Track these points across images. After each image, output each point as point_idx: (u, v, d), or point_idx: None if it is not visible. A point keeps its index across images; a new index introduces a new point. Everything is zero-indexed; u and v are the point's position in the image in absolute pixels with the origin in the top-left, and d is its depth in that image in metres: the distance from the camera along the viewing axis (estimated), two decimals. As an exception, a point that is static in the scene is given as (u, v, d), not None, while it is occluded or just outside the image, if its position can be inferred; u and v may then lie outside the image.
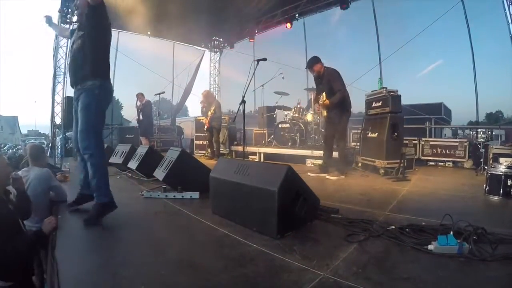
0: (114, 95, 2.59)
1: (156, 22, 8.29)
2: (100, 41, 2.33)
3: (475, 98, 7.35)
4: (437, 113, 7.26)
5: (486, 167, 3.66)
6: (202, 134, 7.59)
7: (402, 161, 4.02)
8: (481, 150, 4.41)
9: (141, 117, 7.40)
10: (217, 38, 12.85)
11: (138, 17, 7.49)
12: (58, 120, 9.01)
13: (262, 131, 7.82)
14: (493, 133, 5.20)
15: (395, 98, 4.35)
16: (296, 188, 1.96)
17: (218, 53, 13.39)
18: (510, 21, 6.05)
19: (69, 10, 8.68)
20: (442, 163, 5.38)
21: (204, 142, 7.48)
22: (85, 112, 2.26)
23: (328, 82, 4.18)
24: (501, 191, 2.84)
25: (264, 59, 3.98)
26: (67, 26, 2.78)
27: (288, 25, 9.71)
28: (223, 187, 2.29)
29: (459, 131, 7.59)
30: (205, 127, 6.86)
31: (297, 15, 9.62)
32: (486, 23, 7.25)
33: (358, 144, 5.05)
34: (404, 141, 4.66)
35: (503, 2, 6.13)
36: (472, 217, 1.98)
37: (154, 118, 8.11)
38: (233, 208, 2.19)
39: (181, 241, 1.92)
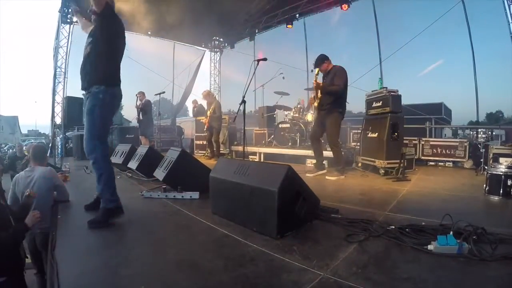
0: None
1: (157, 22, 8.29)
2: (108, 48, 2.34)
3: (475, 98, 7.37)
4: (437, 113, 7.26)
5: (486, 167, 3.66)
6: (202, 134, 7.60)
7: (402, 161, 4.02)
8: (481, 150, 4.41)
9: (141, 117, 7.40)
10: (217, 38, 12.87)
11: (139, 17, 7.49)
12: (58, 120, 9.03)
13: (262, 131, 7.83)
14: (493, 133, 5.20)
15: (395, 98, 4.35)
16: (296, 188, 1.96)
17: (218, 53, 13.40)
18: (510, 21, 6.06)
19: (69, 10, 8.69)
20: (442, 163, 5.38)
21: (204, 142, 7.49)
22: (89, 117, 2.29)
23: (332, 78, 4.15)
24: (501, 191, 2.84)
25: (264, 59, 3.99)
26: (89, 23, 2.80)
27: (289, 25, 9.72)
28: (223, 187, 2.29)
29: (459, 131, 7.60)
30: (205, 127, 6.87)
31: (297, 15, 9.63)
32: (486, 23, 7.26)
33: (358, 144, 5.05)
34: (404, 141, 4.66)
35: (503, 2, 6.13)
36: (472, 217, 1.98)
37: (154, 118, 8.11)
38: (233, 208, 2.19)
39: (181, 241, 1.92)
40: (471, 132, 6.16)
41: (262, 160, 6.27)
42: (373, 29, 8.94)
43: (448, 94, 8.12)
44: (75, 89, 9.85)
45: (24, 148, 7.24)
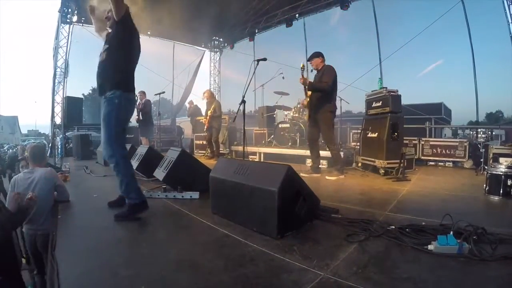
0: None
1: (156, 22, 8.29)
2: (124, 54, 2.38)
3: (475, 98, 7.37)
4: (437, 113, 7.26)
5: (486, 167, 3.66)
6: (202, 134, 7.60)
7: (402, 161, 4.02)
8: (481, 150, 4.41)
9: (140, 117, 7.40)
10: (217, 38, 12.88)
11: (138, 17, 7.49)
12: (58, 120, 9.03)
13: (262, 131, 7.83)
14: (493, 133, 5.20)
15: (395, 98, 4.35)
16: (296, 188, 1.96)
17: (218, 53, 13.40)
18: (510, 21, 6.06)
19: (69, 10, 8.70)
20: (442, 163, 5.38)
21: (204, 142, 7.49)
22: (105, 122, 2.33)
23: (321, 76, 4.16)
24: (501, 191, 2.84)
25: (264, 59, 3.98)
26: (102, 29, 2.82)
27: (288, 25, 9.73)
28: (223, 187, 2.29)
29: (459, 131, 7.59)
30: (205, 127, 6.86)
31: (297, 15, 9.64)
32: (486, 23, 7.25)
33: (358, 144, 5.05)
34: (404, 141, 4.66)
35: (503, 2, 6.14)
36: (472, 217, 1.99)
37: (154, 118, 8.11)
38: (233, 208, 2.19)
39: (181, 241, 1.92)
40: (471, 132, 6.16)
41: (262, 160, 6.27)
42: (373, 29, 8.94)
43: (448, 94, 8.10)
44: (75, 89, 9.89)
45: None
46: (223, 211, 2.31)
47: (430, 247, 1.59)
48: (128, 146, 4.64)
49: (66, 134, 9.03)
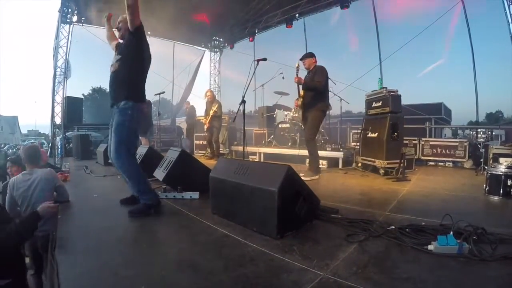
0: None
1: (156, 22, 8.29)
2: (136, 65, 2.44)
3: (475, 98, 7.37)
4: (437, 113, 7.26)
5: (486, 167, 3.66)
6: (202, 134, 7.60)
7: (402, 161, 4.02)
8: (481, 150, 4.41)
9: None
10: (217, 38, 12.87)
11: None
12: (58, 120, 9.03)
13: (262, 131, 7.83)
14: (493, 133, 5.20)
15: (395, 98, 4.35)
16: (296, 188, 1.96)
17: (218, 53, 13.40)
18: (510, 21, 6.06)
19: (69, 10, 8.70)
20: (442, 163, 5.38)
21: (204, 142, 7.49)
22: (117, 132, 2.38)
23: (313, 76, 4.17)
24: (501, 191, 2.84)
25: (264, 59, 3.98)
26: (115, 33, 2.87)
27: (289, 25, 9.73)
28: (223, 187, 2.29)
29: (459, 131, 7.59)
30: (205, 127, 6.86)
31: (297, 15, 9.64)
32: (486, 23, 7.25)
33: (358, 144, 5.05)
34: (404, 141, 4.66)
35: (503, 2, 6.14)
36: (472, 217, 1.99)
37: (154, 118, 8.11)
38: (233, 208, 2.19)
39: (181, 241, 1.92)
40: (471, 132, 6.16)
41: (262, 160, 6.27)
42: (373, 29, 8.95)
43: (448, 94, 8.10)
44: (75, 89, 9.89)
45: None
46: (223, 211, 2.31)
47: (430, 247, 1.59)
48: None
49: (66, 134, 9.03)
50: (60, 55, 8.90)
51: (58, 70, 8.87)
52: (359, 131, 5.29)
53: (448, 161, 5.33)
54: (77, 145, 7.70)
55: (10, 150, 11.48)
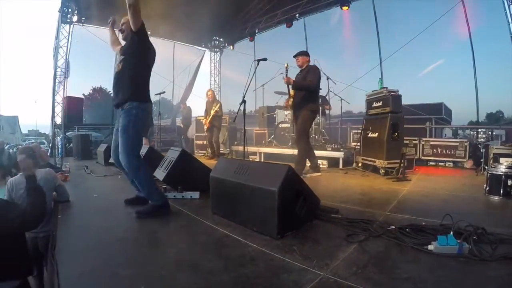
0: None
1: (157, 22, 8.29)
2: (140, 65, 2.45)
3: (475, 98, 7.36)
4: (437, 113, 7.25)
5: (486, 167, 3.65)
6: (202, 134, 7.60)
7: (402, 161, 4.02)
8: (481, 150, 4.40)
9: None
10: (217, 38, 12.87)
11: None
12: (58, 120, 9.03)
13: (263, 131, 7.83)
14: (494, 133, 5.19)
15: (396, 98, 4.35)
16: (296, 188, 1.96)
17: (218, 53, 13.39)
18: (510, 21, 6.05)
19: (69, 10, 8.70)
20: (442, 163, 5.38)
21: (205, 142, 7.49)
22: (123, 133, 2.38)
23: (305, 75, 4.13)
24: (501, 191, 2.84)
25: (265, 59, 3.98)
26: (119, 35, 2.89)
27: (289, 24, 9.72)
28: (223, 187, 2.29)
29: (460, 131, 7.59)
30: (205, 127, 6.86)
31: (297, 15, 9.63)
32: (486, 23, 7.24)
33: (359, 144, 5.05)
34: (405, 141, 4.66)
35: (503, 2, 6.13)
36: (472, 217, 1.99)
37: (154, 118, 8.12)
38: (233, 208, 2.19)
39: (181, 241, 1.92)
40: (471, 132, 6.17)
41: (262, 160, 6.27)
42: (373, 29, 8.94)
43: (448, 94, 8.09)
44: (75, 89, 9.88)
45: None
46: (223, 211, 2.31)
47: (430, 247, 1.59)
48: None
49: (67, 134, 9.03)
50: (60, 55, 8.90)
51: (59, 70, 8.87)
52: (360, 131, 5.29)
53: (449, 161, 5.33)
54: (78, 145, 7.71)
55: (11, 150, 11.48)
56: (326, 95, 6.63)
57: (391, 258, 1.56)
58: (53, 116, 9.01)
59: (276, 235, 1.81)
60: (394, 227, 1.91)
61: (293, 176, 1.92)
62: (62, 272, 1.45)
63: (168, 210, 2.47)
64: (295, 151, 5.75)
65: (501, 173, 2.86)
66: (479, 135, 4.58)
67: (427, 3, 7.99)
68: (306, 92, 4.08)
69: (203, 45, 12.99)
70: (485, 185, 3.02)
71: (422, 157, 5.50)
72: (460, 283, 1.32)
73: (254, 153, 6.59)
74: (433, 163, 5.45)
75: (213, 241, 1.85)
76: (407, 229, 1.84)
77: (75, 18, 8.85)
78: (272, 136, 6.93)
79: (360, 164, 4.93)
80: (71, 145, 8.76)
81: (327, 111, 6.82)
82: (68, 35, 8.98)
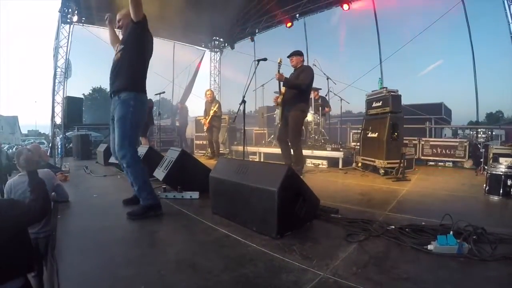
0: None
1: (157, 22, 8.29)
2: (138, 55, 2.42)
3: (475, 98, 7.37)
4: (437, 113, 7.27)
5: (486, 167, 3.66)
6: (202, 134, 7.61)
7: (402, 161, 4.02)
8: (481, 150, 4.41)
9: None
10: (217, 38, 12.86)
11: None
12: (58, 120, 9.03)
13: (262, 131, 7.83)
14: (493, 133, 5.20)
15: (395, 98, 4.35)
16: (296, 188, 1.96)
17: (218, 53, 13.39)
18: (510, 21, 6.06)
19: (69, 10, 8.69)
20: (442, 163, 5.38)
21: (204, 142, 7.49)
22: (120, 124, 2.35)
23: (298, 75, 4.12)
24: (501, 191, 2.84)
25: (265, 59, 3.98)
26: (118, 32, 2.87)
27: (289, 24, 9.73)
28: (223, 187, 2.29)
29: (459, 131, 7.59)
30: (205, 127, 6.86)
31: (297, 15, 9.63)
32: (486, 23, 7.25)
33: (358, 144, 5.05)
34: (404, 141, 4.66)
35: (503, 2, 6.13)
36: (472, 217, 1.99)
37: (154, 118, 8.13)
38: (233, 208, 2.19)
39: (181, 241, 1.92)
40: (471, 132, 6.17)
41: (262, 160, 6.27)
42: (373, 29, 8.95)
43: (448, 94, 8.11)
44: (75, 89, 9.89)
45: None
46: (223, 211, 2.31)
47: (430, 247, 1.59)
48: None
49: (66, 134, 9.04)
50: (60, 55, 8.90)
51: (59, 70, 8.87)
52: (359, 131, 5.29)
53: (448, 161, 5.33)
54: (77, 145, 7.71)
55: (10, 150, 11.47)
56: (326, 95, 6.64)
57: (391, 258, 1.55)
58: (53, 116, 9.01)
59: (276, 235, 1.81)
60: (394, 227, 1.91)
61: (292, 176, 1.92)
62: (62, 272, 1.45)
63: (159, 210, 2.42)
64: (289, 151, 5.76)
65: (501, 173, 2.87)
66: (479, 135, 4.58)
67: (427, 3, 8.00)
68: (298, 91, 4.05)
69: (203, 45, 12.98)
70: (484, 185, 3.02)
71: (422, 157, 5.50)
72: (460, 283, 1.32)
73: (254, 153, 6.59)
74: (432, 163, 5.45)
75: (213, 241, 1.85)
76: (407, 229, 1.84)
77: (75, 18, 8.84)
78: (272, 136, 6.93)
79: (359, 164, 4.93)
80: (71, 145, 8.76)
81: (326, 113, 6.83)
82: (68, 35, 8.97)
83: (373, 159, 4.46)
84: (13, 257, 1.71)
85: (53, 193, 2.82)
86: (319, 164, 5.41)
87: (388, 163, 4.15)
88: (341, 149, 5.36)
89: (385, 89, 4.43)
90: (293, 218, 1.93)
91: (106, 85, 3.00)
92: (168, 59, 12.43)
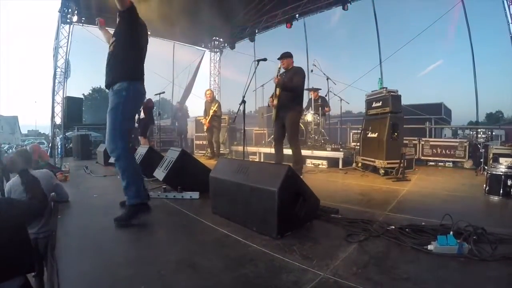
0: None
1: (157, 22, 8.30)
2: (131, 44, 2.35)
3: (475, 98, 7.38)
4: (437, 113, 7.28)
5: (486, 167, 3.66)
6: (202, 134, 7.60)
7: (402, 161, 4.02)
8: (481, 150, 4.41)
9: (142, 115, 7.41)
10: (217, 38, 12.87)
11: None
12: (58, 120, 9.03)
13: (262, 131, 7.83)
14: (493, 133, 5.20)
15: (395, 98, 4.35)
16: (296, 188, 1.96)
17: (218, 53, 13.39)
18: (510, 21, 6.06)
19: (69, 10, 8.69)
20: (442, 163, 5.38)
21: (204, 142, 7.49)
22: (111, 114, 2.27)
23: (291, 77, 4.11)
24: (501, 191, 2.84)
25: (265, 59, 3.98)
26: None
27: (289, 25, 9.74)
28: (223, 187, 2.29)
29: (459, 131, 7.60)
30: (205, 127, 6.86)
31: (297, 15, 9.64)
32: (486, 23, 7.27)
33: (358, 144, 5.05)
34: (404, 141, 4.66)
35: (503, 2, 6.13)
36: (472, 217, 1.98)
37: (154, 118, 8.13)
38: (233, 208, 2.19)
39: (181, 241, 1.92)
40: (471, 132, 6.17)
41: (262, 160, 6.27)
42: (373, 29, 8.96)
43: (448, 94, 8.14)
44: (75, 89, 9.90)
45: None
46: (223, 211, 2.31)
47: (430, 247, 1.59)
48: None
49: (66, 134, 9.04)
50: (60, 55, 8.90)
51: (58, 70, 8.87)
52: (359, 131, 5.30)
53: (448, 161, 5.34)
54: (77, 145, 7.71)
55: (10, 150, 11.47)
56: (326, 95, 6.64)
57: (391, 258, 1.55)
58: (52, 116, 9.01)
59: (276, 235, 1.81)
60: (394, 227, 1.91)
61: (292, 176, 1.92)
62: (62, 272, 1.45)
63: (147, 210, 2.31)
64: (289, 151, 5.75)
65: (501, 173, 2.87)
66: (479, 135, 4.58)
67: (427, 3, 8.01)
68: (294, 93, 4.09)
69: (203, 45, 12.99)
70: (484, 185, 3.02)
71: (422, 157, 5.51)
72: (460, 283, 1.32)
73: (254, 153, 6.59)
74: (432, 163, 5.45)
75: (213, 241, 1.85)
76: (407, 229, 1.84)
77: (75, 18, 8.84)
78: (272, 136, 6.92)
79: (359, 164, 4.93)
80: (70, 145, 8.76)
81: (326, 113, 6.83)
82: (68, 35, 8.97)
83: (373, 159, 4.46)
84: (12, 257, 1.71)
85: (53, 193, 2.82)
86: (319, 164, 5.41)
87: (388, 163, 4.15)
88: (341, 149, 5.36)
89: (385, 89, 4.43)
90: (293, 218, 1.93)
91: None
92: (168, 59, 12.45)
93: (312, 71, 6.39)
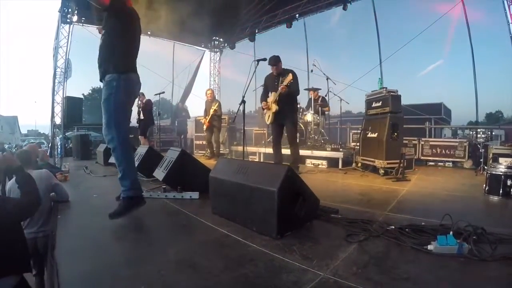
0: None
1: (157, 22, 8.30)
2: (121, 36, 2.33)
3: (475, 98, 7.38)
4: (437, 113, 7.27)
5: (485, 167, 3.66)
6: (202, 134, 7.60)
7: (402, 161, 4.02)
8: (480, 150, 4.41)
9: (141, 116, 7.42)
10: (217, 38, 12.87)
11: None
12: (58, 120, 9.02)
13: (262, 131, 7.82)
14: (493, 133, 5.20)
15: (395, 98, 4.35)
16: (296, 188, 1.96)
17: (218, 53, 13.39)
18: (510, 21, 6.06)
19: (69, 10, 8.69)
20: (442, 163, 5.39)
21: (204, 142, 7.49)
22: (104, 106, 2.28)
23: (289, 84, 4.18)
24: (500, 191, 2.84)
25: (264, 59, 3.99)
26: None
27: (288, 25, 9.73)
28: (223, 187, 2.29)
29: (459, 131, 7.60)
30: (205, 127, 6.86)
31: (297, 15, 9.64)
32: (486, 24, 7.26)
33: (358, 144, 5.05)
34: (404, 141, 4.66)
35: (503, 2, 6.13)
36: (472, 217, 1.99)
37: (154, 119, 8.13)
38: (233, 208, 2.19)
39: (181, 241, 1.92)
40: (471, 132, 6.17)
41: (262, 160, 6.27)
42: (373, 29, 8.96)
43: (448, 94, 8.12)
44: (75, 89, 9.89)
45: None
46: (223, 211, 2.31)
47: (429, 247, 1.59)
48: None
49: (66, 134, 9.04)
50: (60, 55, 8.90)
51: (58, 70, 8.87)
52: (359, 131, 5.29)
53: (448, 161, 5.34)
54: (77, 145, 7.71)
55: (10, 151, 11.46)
56: (326, 95, 6.64)
57: (391, 258, 1.56)
58: (52, 116, 9.01)
59: (276, 235, 1.81)
60: (393, 227, 1.91)
61: (292, 176, 1.92)
62: (62, 272, 1.45)
63: (141, 202, 2.32)
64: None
65: (501, 173, 2.87)
66: (479, 135, 4.59)
67: (427, 3, 8.00)
68: (291, 97, 4.33)
69: (202, 45, 12.99)
70: (484, 185, 3.03)
71: (422, 157, 5.51)
72: (460, 283, 1.32)
73: (254, 153, 6.59)
74: (432, 163, 5.45)
75: (213, 241, 1.85)
76: (407, 229, 1.84)
77: (75, 18, 8.84)
78: (272, 136, 6.93)
79: (359, 164, 4.93)
80: (70, 145, 8.76)
81: (326, 113, 6.83)
82: (68, 35, 8.97)
83: (373, 159, 4.46)
84: (4, 255, 1.69)
85: (52, 193, 2.82)
86: (318, 164, 5.41)
87: (388, 163, 4.15)
88: (340, 149, 5.36)
89: (384, 89, 4.43)
90: (293, 218, 1.93)
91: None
92: (168, 59, 12.45)
93: (312, 71, 6.40)
